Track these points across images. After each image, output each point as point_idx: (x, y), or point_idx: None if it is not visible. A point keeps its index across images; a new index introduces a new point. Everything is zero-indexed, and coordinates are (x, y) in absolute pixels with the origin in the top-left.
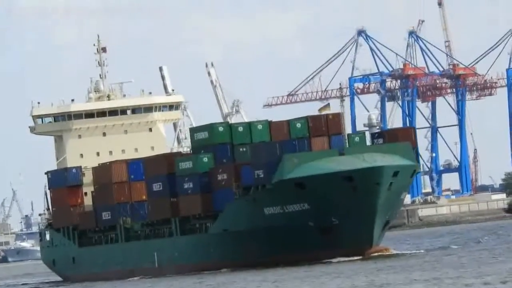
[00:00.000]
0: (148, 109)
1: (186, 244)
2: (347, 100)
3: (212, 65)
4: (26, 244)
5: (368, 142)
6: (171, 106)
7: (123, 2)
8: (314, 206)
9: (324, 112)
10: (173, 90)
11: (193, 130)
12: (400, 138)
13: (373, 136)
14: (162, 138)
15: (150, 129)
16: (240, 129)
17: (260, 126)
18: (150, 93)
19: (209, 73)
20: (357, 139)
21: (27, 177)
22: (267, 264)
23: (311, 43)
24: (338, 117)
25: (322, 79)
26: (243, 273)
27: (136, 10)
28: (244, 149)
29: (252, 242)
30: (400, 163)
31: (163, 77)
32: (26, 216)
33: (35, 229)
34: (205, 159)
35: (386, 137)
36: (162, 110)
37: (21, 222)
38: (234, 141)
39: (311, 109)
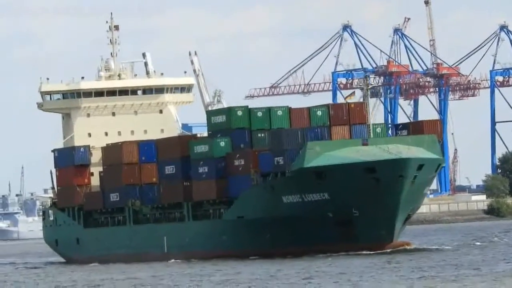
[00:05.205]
0: (159, 90)
1: (198, 230)
2: (329, 94)
3: (195, 53)
4: (2, 224)
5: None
6: (183, 88)
7: None
8: (335, 196)
9: (349, 100)
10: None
11: (211, 113)
12: (425, 130)
13: (397, 127)
14: (173, 120)
15: (161, 111)
16: (259, 114)
17: (280, 112)
18: (162, 74)
19: (192, 62)
20: (378, 129)
21: (7, 155)
22: (281, 254)
23: (295, 36)
24: (361, 106)
25: (305, 73)
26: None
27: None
28: (262, 134)
29: (268, 231)
30: (426, 156)
31: (146, 63)
32: (3, 196)
33: (11, 209)
34: (222, 144)
35: (411, 129)
36: (174, 92)
37: None
38: (252, 126)
39: (294, 101)
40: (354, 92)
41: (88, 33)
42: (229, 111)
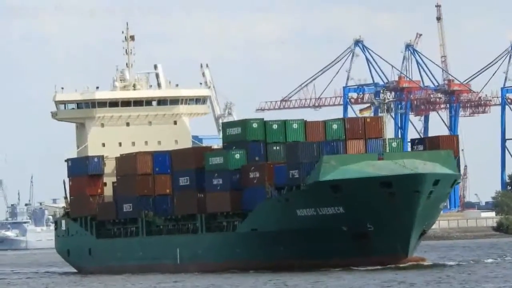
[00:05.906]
0: (174, 101)
1: (211, 242)
2: (339, 108)
3: (207, 66)
4: (10, 234)
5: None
6: (198, 100)
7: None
8: (350, 210)
9: (364, 114)
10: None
11: (226, 125)
12: (442, 146)
13: (413, 142)
14: (187, 132)
15: (175, 122)
16: (275, 126)
17: (295, 125)
18: (177, 85)
19: (203, 74)
20: (394, 144)
21: (17, 164)
22: (294, 267)
23: (307, 49)
24: (376, 120)
25: (316, 87)
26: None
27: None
28: (277, 147)
29: (282, 244)
30: (442, 172)
31: (157, 75)
32: (12, 205)
33: (20, 219)
34: (237, 156)
35: (427, 144)
36: (189, 104)
37: (6, 211)
38: (267, 139)
39: (304, 115)
40: (370, 106)
41: (90, 37)
42: (244, 123)
